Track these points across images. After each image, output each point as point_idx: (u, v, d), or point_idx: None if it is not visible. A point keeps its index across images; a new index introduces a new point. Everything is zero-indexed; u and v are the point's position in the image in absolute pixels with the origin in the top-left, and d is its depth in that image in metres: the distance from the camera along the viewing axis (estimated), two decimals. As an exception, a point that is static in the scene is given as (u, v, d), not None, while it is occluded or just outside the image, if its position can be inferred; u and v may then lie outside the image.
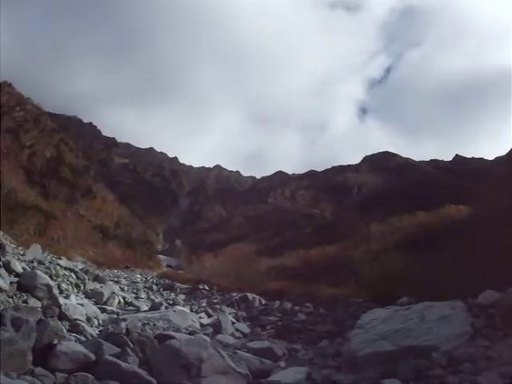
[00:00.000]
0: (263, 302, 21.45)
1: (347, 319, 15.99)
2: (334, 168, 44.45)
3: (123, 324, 11.61)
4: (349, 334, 13.01)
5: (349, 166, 44.50)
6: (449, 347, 10.41)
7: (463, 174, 38.48)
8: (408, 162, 42.07)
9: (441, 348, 10.44)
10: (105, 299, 16.93)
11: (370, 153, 46.49)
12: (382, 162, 41.89)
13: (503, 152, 37.00)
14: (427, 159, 42.93)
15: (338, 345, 13.29)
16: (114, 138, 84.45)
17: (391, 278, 18.42)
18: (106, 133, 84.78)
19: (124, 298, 18.81)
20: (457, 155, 42.80)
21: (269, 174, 45.80)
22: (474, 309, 12.03)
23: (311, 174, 43.24)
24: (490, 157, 40.35)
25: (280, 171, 44.26)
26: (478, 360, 9.58)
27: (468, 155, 42.71)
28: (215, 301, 22.52)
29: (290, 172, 44.50)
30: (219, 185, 48.15)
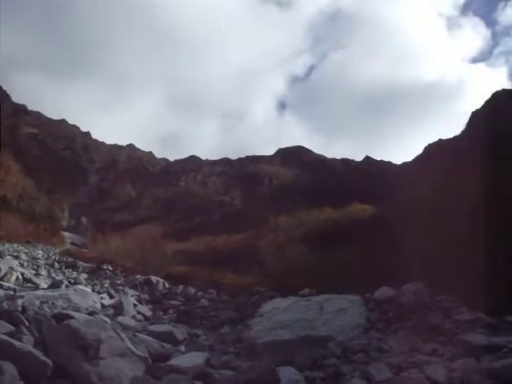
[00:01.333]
0: (167, 285, 21.33)
1: (249, 307, 16.24)
2: (247, 157, 44.91)
3: (19, 301, 11.15)
4: (250, 322, 13.26)
5: (263, 156, 45.09)
6: (344, 338, 10.88)
7: (371, 174, 40.08)
8: (320, 158, 43.28)
9: (337, 339, 10.91)
10: (1, 275, 16.16)
11: (284, 146, 47.58)
12: (295, 156, 42.80)
13: (409, 158, 38.99)
14: (339, 158, 44.50)
15: (239, 332, 13.48)
16: (24, 105, 79.95)
17: (294, 269, 18.89)
18: (16, 99, 79.93)
19: (23, 274, 18.01)
20: (367, 156, 44.66)
21: (182, 157, 45.69)
22: (369, 303, 12.66)
23: (225, 162, 43.46)
24: (398, 161, 42.70)
25: (194, 155, 44.17)
26: (370, 351, 10.10)
27: (378, 158, 44.78)
28: (118, 282, 22.13)
29: (203, 157, 44.74)
30: (131, 164, 47.13)
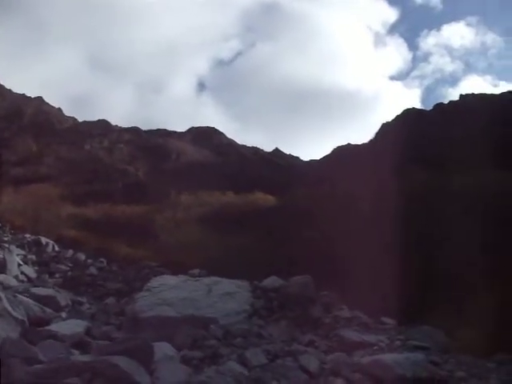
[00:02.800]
0: (57, 248, 20.52)
1: (138, 281, 16.04)
2: (158, 130, 43.87)
3: None
4: (136, 296, 13.14)
5: (174, 132, 44.39)
6: (227, 322, 11.06)
7: (278, 166, 40.76)
8: (231, 143, 43.35)
9: (220, 321, 11.06)
10: None
11: (197, 125, 47.12)
12: (206, 137, 42.54)
13: (317, 157, 40.14)
14: (249, 145, 44.87)
15: (124, 304, 13.33)
16: None
17: (188, 248, 18.87)
18: None
19: None
20: (276, 148, 45.33)
21: (92, 119, 43.87)
22: (257, 290, 12.94)
23: (134, 131, 42.28)
24: (306, 158, 43.92)
25: (103, 120, 42.36)
26: (250, 336, 10.37)
27: (287, 151, 45.64)
28: (5, 239, 20.97)
29: (113, 123, 43.27)
30: (37, 118, 44.49)
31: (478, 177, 20.65)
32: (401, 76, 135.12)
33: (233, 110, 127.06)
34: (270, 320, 11.74)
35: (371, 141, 33.75)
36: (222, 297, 12.38)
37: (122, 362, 5.61)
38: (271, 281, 13.19)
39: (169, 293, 12.72)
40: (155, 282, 13.86)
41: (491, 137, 26.64)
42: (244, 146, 44.39)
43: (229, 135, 46.05)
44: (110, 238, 21.33)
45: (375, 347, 9.68)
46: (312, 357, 8.88)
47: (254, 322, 11.37)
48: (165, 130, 46.43)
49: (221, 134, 45.62)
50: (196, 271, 15.27)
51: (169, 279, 14.03)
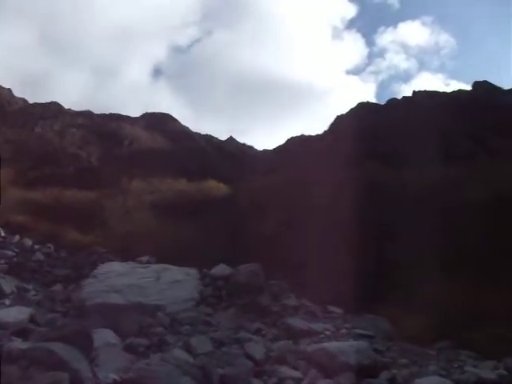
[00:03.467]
0: (2, 234, 19.93)
1: (86, 267, 15.73)
2: (111, 115, 42.91)
3: None
4: (83, 282, 12.91)
5: (127, 117, 43.47)
6: (175, 309, 10.98)
7: (232, 155, 40.58)
8: (185, 130, 42.77)
9: (167, 309, 10.98)
10: None
11: (151, 111, 46.33)
12: (160, 123, 41.84)
13: (271, 147, 40.21)
14: (203, 133, 44.44)
15: (71, 291, 13.06)
16: None
17: (138, 235, 18.61)
18: None
19: None
20: (231, 137, 45.15)
21: (43, 101, 42.35)
22: (206, 278, 12.90)
23: (87, 115, 41.17)
24: (260, 148, 43.93)
25: (55, 102, 41.00)
26: (198, 324, 10.33)
27: (241, 140, 45.43)
28: (-51, 225, 20.14)
29: (66, 106, 41.92)
30: (-16, 99, 42.91)
31: (426, 171, 21.11)
32: (356, 71, 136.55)
33: (188, 98, 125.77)
34: (219, 308, 11.75)
35: (325, 132, 34.01)
36: (171, 284, 12.29)
37: (60, 348, 5.47)
38: (220, 269, 13.16)
39: (116, 280, 12.55)
40: (103, 268, 13.66)
41: (441, 133, 27.28)
42: (198, 134, 43.98)
43: (183, 122, 45.52)
44: (59, 224, 20.82)
45: (321, 335, 9.80)
46: (258, 344, 8.93)
47: (202, 310, 11.35)
48: (118, 114, 45.51)
49: (175, 120, 45.08)
50: (145, 258, 15.06)
51: (117, 266, 13.85)
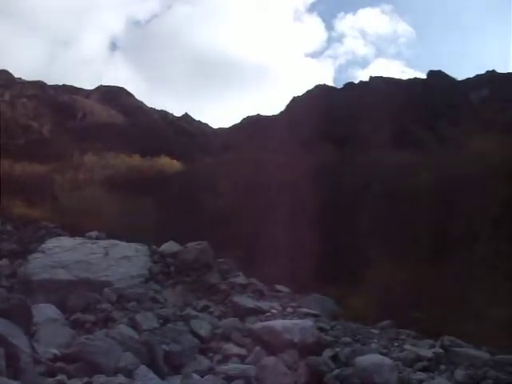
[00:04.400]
0: None
1: (33, 242, 15.39)
2: (64, 86, 41.61)
3: None
4: (29, 257, 12.65)
5: (81, 89, 42.29)
6: (122, 285, 10.88)
7: (187, 132, 40.24)
8: (140, 105, 41.98)
9: (115, 285, 10.86)
10: None
11: (106, 84, 45.20)
12: (114, 97, 40.86)
13: (226, 125, 40.13)
14: (159, 108, 43.86)
15: (17, 266, 12.78)
16: None
17: (87, 210, 18.30)
18: None
19: None
20: (186, 114, 44.56)
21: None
22: (155, 255, 12.81)
23: (39, 85, 39.76)
24: (215, 125, 43.64)
25: (5, 70, 39.39)
26: (145, 301, 10.28)
27: (196, 117, 44.97)
28: None
29: (16, 75, 40.32)
30: None
31: (378, 155, 21.46)
32: (315, 54, 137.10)
33: (144, 73, 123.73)
34: (167, 285, 11.72)
35: (281, 113, 34.13)
36: (119, 260, 12.16)
37: (-4, 323, 5.35)
38: (169, 246, 13.09)
39: (64, 255, 12.33)
40: (50, 243, 13.39)
41: (394, 119, 27.74)
42: (153, 109, 43.39)
43: (138, 97, 44.77)
44: (5, 196, 20.25)
45: (268, 314, 9.93)
46: (204, 322, 8.99)
47: (149, 287, 11.29)
48: (72, 86, 44.36)
49: (130, 95, 44.29)
50: (94, 234, 14.80)
51: (65, 241, 13.60)
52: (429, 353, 8.25)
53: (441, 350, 8.41)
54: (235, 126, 36.81)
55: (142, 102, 44.10)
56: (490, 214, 17.05)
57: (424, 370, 7.79)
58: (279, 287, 12.25)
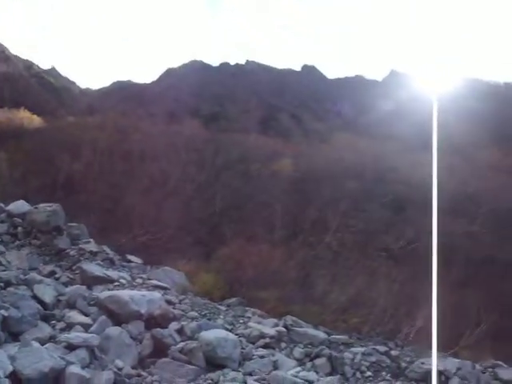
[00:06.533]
0: None
1: None
2: None
3: None
4: None
5: None
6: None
7: (52, 87, 37.94)
8: (3, 50, 38.61)
9: None
10: None
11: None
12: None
13: (95, 86, 38.50)
14: (24, 58, 40.85)
15: None
16: None
17: None
18: None
19: None
20: (53, 68, 42.11)
21: None
22: (1, 214, 11.99)
23: None
24: (83, 85, 41.90)
25: None
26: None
27: (64, 73, 42.79)
28: None
29: None
30: None
31: (243, 137, 21.95)
32: (197, 28, 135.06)
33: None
34: (12, 246, 11.06)
35: (153, 83, 33.66)
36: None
37: None
38: (19, 205, 12.20)
39: None
40: None
41: (264, 104, 28.45)
42: (17, 57, 40.38)
43: (4, 42, 41.39)
44: None
45: (116, 283, 9.79)
46: (48, 287, 8.65)
47: (-8, 248, 10.58)
48: None
49: None
50: None
51: None
52: (272, 331, 8.71)
53: (283, 329, 8.95)
54: (104, 89, 35.56)
55: (5, 48, 40.79)
56: (339, 206, 18.24)
57: (266, 346, 8.29)
58: (131, 257, 12.11)
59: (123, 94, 31.10)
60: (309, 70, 36.47)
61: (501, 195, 23.77)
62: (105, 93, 34.00)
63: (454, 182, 20.47)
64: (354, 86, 35.00)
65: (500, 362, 8.87)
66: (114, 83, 35.42)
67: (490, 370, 8.55)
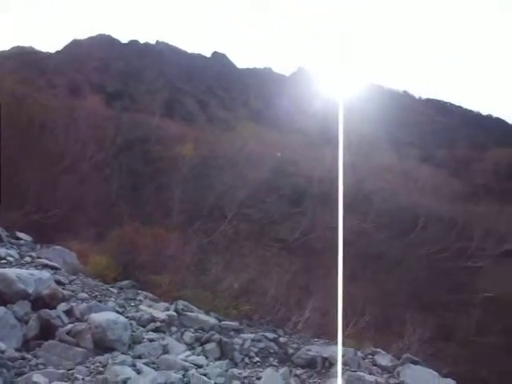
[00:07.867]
0: None
1: None
2: None
3: None
4: None
5: None
6: None
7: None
8: None
9: None
10: None
11: None
12: None
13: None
14: None
15: None
16: None
17: None
18: None
19: None
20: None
21: None
22: None
23: None
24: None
25: None
26: None
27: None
28: None
29: None
30: None
31: (143, 118, 21.63)
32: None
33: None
34: None
35: (57, 52, 32.18)
36: None
37: None
38: None
39: None
40: None
41: (170, 88, 28.15)
42: None
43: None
44: None
45: (3, 261, 9.33)
46: None
47: None
48: None
49: None
50: None
51: None
52: (162, 315, 8.74)
53: (174, 313, 9.01)
54: (3, 53, 33.37)
55: None
56: (238, 195, 18.44)
57: (156, 330, 8.29)
58: (20, 235, 11.57)
59: (23, 60, 29.38)
60: (219, 58, 36.47)
61: (393, 196, 25.21)
62: (3, 56, 31.93)
63: (351, 180, 21.35)
64: (261, 78, 35.47)
65: (379, 350, 9.53)
66: (14, 48, 33.28)
67: (370, 356, 9.17)
